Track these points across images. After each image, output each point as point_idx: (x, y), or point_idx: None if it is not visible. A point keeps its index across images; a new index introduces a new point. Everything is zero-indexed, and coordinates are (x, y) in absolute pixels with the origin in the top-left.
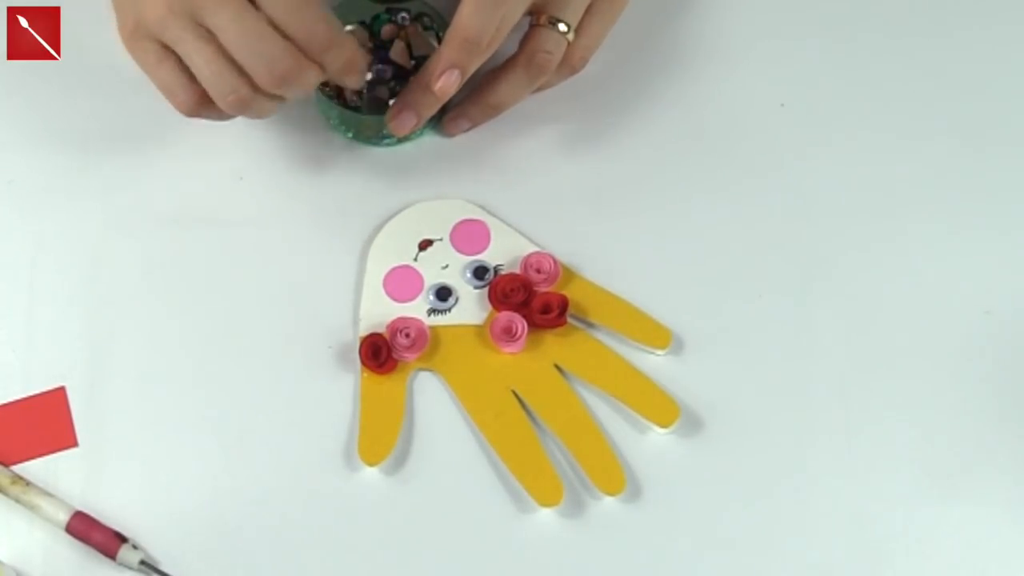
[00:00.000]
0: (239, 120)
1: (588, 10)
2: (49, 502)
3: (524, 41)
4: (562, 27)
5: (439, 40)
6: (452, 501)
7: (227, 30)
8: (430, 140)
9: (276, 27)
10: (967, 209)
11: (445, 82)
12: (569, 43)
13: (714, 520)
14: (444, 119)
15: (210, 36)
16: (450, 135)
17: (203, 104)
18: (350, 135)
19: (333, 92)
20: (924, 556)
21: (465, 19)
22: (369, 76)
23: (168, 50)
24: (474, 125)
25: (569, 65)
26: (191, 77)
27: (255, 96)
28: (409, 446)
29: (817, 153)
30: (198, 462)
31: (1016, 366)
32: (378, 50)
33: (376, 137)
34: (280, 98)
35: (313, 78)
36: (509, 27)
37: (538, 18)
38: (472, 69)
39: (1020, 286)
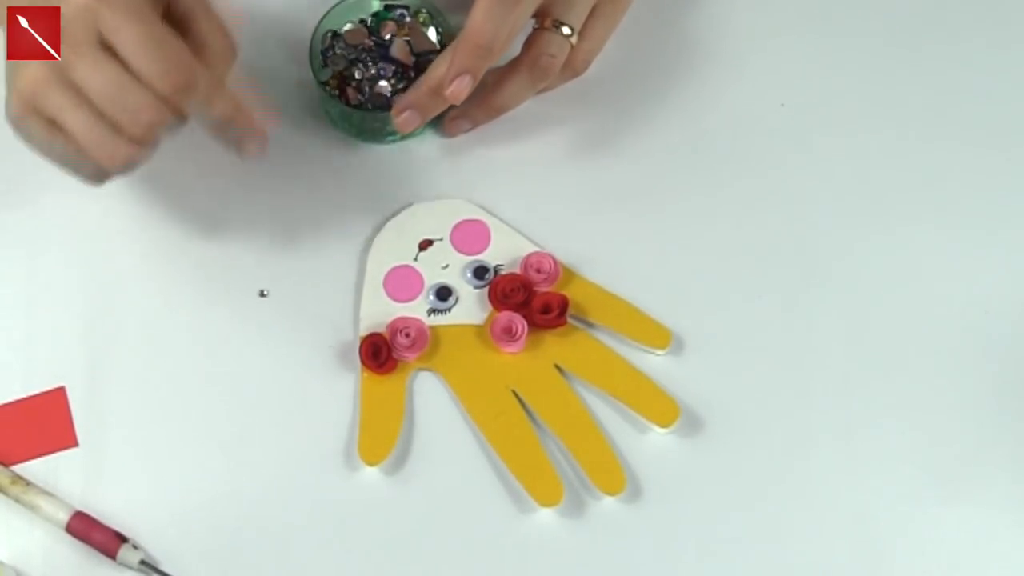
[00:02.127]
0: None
1: (591, 13)
2: (49, 502)
3: (528, 44)
4: (566, 30)
5: (440, 35)
6: (452, 501)
7: (89, 82)
8: (431, 140)
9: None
10: (967, 209)
11: (457, 88)
12: (572, 46)
13: (714, 520)
14: (445, 120)
15: (82, 97)
16: (451, 135)
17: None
18: (353, 133)
19: (336, 90)
20: (924, 556)
21: (478, 25)
22: (371, 73)
23: (55, 125)
24: (475, 126)
25: (572, 68)
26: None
27: (141, 151)
28: (409, 446)
29: (817, 153)
30: (198, 462)
31: (1016, 366)
32: (379, 48)
33: (380, 135)
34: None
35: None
36: (519, 31)
37: (543, 21)
38: (482, 73)
39: (1020, 286)
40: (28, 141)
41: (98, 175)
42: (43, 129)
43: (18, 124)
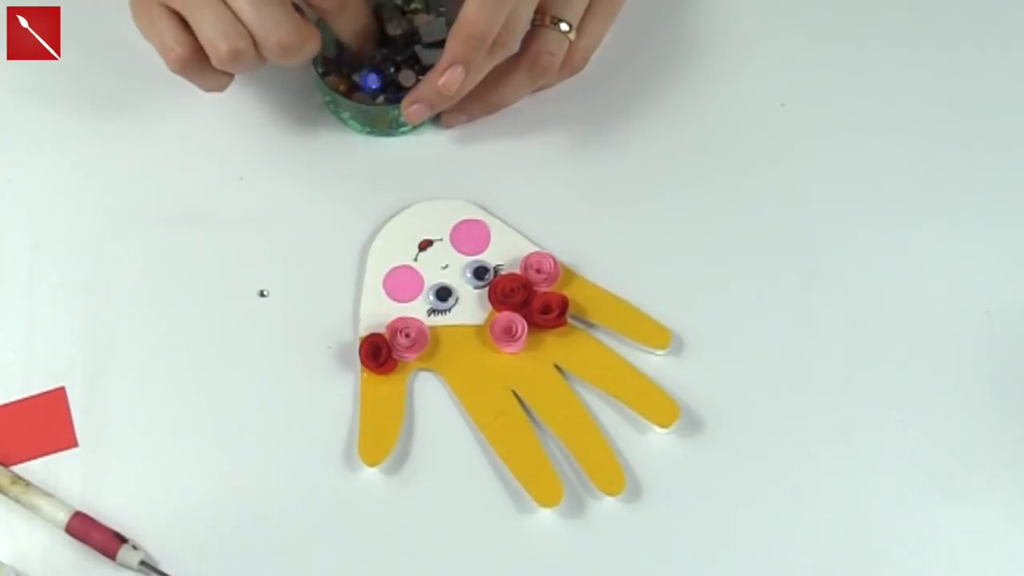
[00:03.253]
0: (239, 119)
1: (588, 9)
2: (49, 502)
3: (527, 42)
4: (564, 27)
5: (441, 16)
6: (452, 501)
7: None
8: (431, 140)
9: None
10: (967, 209)
11: (448, 78)
12: (571, 42)
13: (714, 520)
14: (444, 112)
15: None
16: (448, 127)
17: (196, 59)
18: (367, 131)
19: (344, 91)
20: (924, 556)
21: (470, 15)
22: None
23: (167, 9)
24: (471, 119)
25: (570, 65)
26: (187, 32)
27: (250, 52)
28: (409, 446)
29: (817, 153)
30: (198, 462)
31: (1016, 366)
32: (388, 43)
33: (392, 127)
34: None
35: (310, 51)
36: (520, 27)
37: (542, 18)
38: (478, 66)
39: (1020, 286)
40: (137, 18)
41: (186, 60)
42: (156, 12)
43: (137, 7)
